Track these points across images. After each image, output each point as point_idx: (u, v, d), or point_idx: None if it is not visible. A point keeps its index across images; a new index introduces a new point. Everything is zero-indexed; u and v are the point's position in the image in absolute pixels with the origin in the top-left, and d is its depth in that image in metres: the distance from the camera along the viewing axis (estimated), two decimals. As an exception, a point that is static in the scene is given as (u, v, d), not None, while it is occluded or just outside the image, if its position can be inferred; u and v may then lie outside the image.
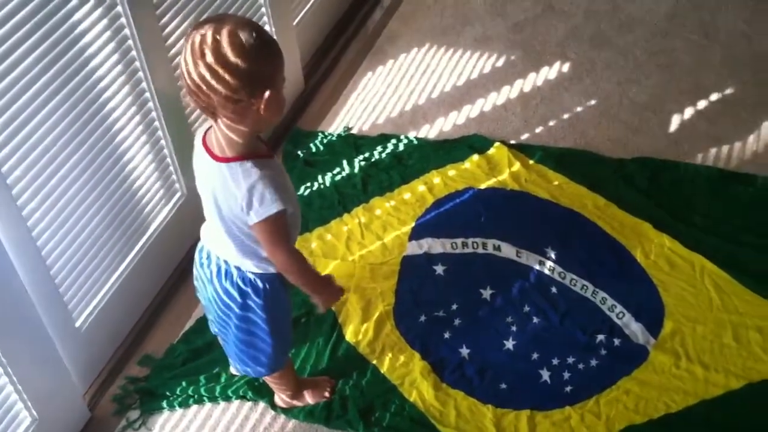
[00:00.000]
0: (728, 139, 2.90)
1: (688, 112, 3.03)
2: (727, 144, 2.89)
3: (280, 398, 2.26)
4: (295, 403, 2.25)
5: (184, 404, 2.30)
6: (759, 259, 2.48)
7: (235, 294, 1.89)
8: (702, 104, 3.05)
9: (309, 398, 2.25)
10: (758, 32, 3.34)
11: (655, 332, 2.33)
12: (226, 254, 1.88)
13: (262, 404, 2.27)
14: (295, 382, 2.23)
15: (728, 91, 3.09)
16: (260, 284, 1.88)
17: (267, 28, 2.96)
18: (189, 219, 2.67)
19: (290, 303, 2.07)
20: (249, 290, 1.88)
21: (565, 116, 3.07)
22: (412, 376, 2.27)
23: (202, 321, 2.47)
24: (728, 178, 2.76)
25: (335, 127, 3.12)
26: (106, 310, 2.35)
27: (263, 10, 2.92)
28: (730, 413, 2.14)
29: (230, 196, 1.72)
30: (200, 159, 1.78)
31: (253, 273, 1.87)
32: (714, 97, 3.07)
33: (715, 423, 2.12)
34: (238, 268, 1.87)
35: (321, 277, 1.98)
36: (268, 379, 2.20)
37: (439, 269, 2.56)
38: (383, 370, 2.29)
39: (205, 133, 1.78)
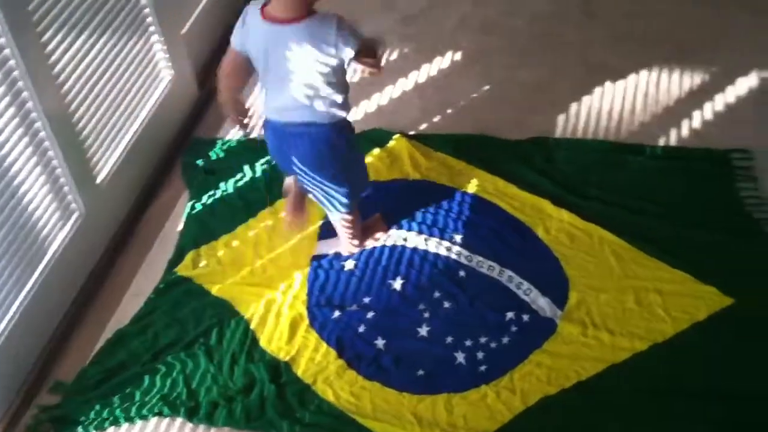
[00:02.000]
0: (616, 113, 3.01)
1: (577, 89, 3.11)
2: (616, 117, 2.99)
3: (350, 244, 2.54)
4: (366, 244, 2.57)
5: (100, 427, 2.25)
6: (652, 224, 2.57)
7: (315, 145, 2.26)
8: (590, 81, 3.14)
9: (371, 240, 2.58)
10: (639, 9, 3.45)
11: (562, 304, 2.39)
12: (301, 113, 2.22)
13: (179, 419, 2.24)
14: (361, 228, 2.54)
15: (613, 66, 3.18)
16: (334, 133, 2.27)
17: (155, 38, 2.92)
18: (90, 238, 2.62)
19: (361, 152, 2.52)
20: (327, 139, 2.26)
21: (462, 103, 3.13)
22: (325, 374, 2.28)
23: (113, 341, 2.44)
24: (619, 150, 2.86)
25: (234, 133, 3.10)
26: (9, 340, 2.28)
27: (149, 20, 2.88)
28: (638, 374, 2.21)
29: (317, 44, 2.07)
30: (260, 33, 2.11)
31: (328, 123, 2.24)
32: (600, 73, 3.17)
33: (624, 385, 2.19)
34: (314, 123, 2.23)
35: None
36: (342, 228, 2.50)
37: (349, 265, 2.57)
38: (299, 371, 2.30)
39: (262, 10, 2.10)
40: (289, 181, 2.60)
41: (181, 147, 3.07)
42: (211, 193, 2.86)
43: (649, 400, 2.16)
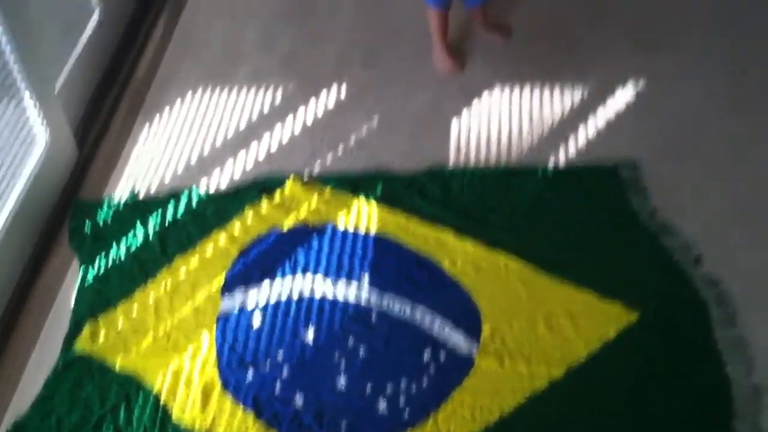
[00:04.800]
0: (505, 136, 3.04)
1: (464, 117, 3.14)
2: (505, 141, 3.03)
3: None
4: (434, 54, 3.27)
5: None
6: (553, 246, 2.61)
7: None
8: (475, 106, 3.17)
9: (440, 60, 3.27)
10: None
11: (476, 338, 2.40)
12: None
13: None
14: (439, 37, 3.24)
15: (494, 90, 3.23)
16: None
17: (27, 99, 2.76)
18: None
19: None
20: None
21: (353, 139, 3.10)
22: (247, 441, 2.21)
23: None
24: (512, 174, 2.89)
25: (120, 192, 2.98)
26: None
27: (19, 80, 2.72)
28: (557, 401, 2.23)
29: None
30: None
31: None
32: (485, 97, 3.20)
33: (546, 414, 2.21)
34: None
35: None
36: (430, 19, 3.21)
37: (257, 320, 2.50)
38: (219, 440, 2.22)
39: None
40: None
41: (66, 211, 2.93)
42: (102, 258, 2.73)
43: (569, 426, 2.18)
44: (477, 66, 3.35)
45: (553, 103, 3.14)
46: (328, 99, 3.27)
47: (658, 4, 3.51)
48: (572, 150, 2.96)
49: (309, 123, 3.18)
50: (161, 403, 2.31)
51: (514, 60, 3.35)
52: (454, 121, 3.13)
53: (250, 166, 3.02)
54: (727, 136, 2.94)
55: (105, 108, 3.33)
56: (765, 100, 3.04)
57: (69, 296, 2.68)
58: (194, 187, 2.94)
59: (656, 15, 3.46)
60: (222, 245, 2.71)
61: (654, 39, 3.34)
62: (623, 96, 3.13)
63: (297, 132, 3.14)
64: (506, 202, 2.78)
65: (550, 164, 2.91)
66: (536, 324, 2.41)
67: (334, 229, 2.73)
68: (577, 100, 3.14)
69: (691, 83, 3.14)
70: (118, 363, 2.42)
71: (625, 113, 3.08)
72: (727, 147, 2.90)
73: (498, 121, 3.10)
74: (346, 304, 2.51)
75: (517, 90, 3.21)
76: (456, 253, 2.62)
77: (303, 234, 2.73)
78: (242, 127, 3.19)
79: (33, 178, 2.80)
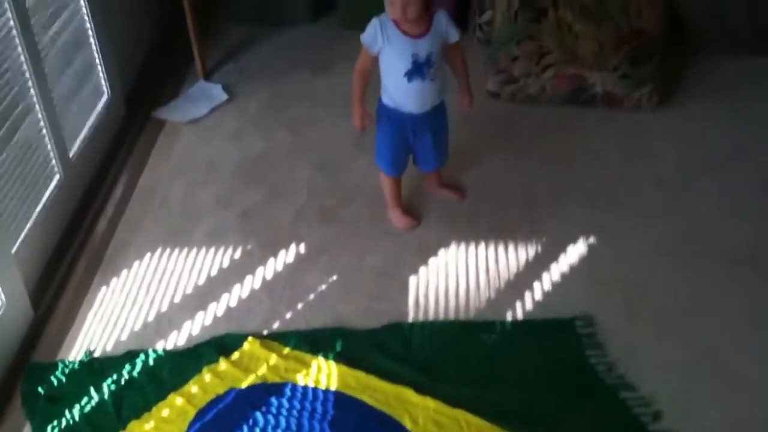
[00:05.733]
0: (462, 291, 3.10)
1: (422, 271, 3.20)
2: (463, 295, 3.08)
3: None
4: (389, 213, 3.41)
5: None
6: (515, 401, 2.62)
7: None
8: (432, 261, 3.24)
9: (394, 218, 3.39)
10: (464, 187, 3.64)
11: (440, 500, 2.35)
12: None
13: None
14: (392, 199, 3.39)
15: (450, 246, 3.31)
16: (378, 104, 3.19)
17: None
18: None
19: (393, 132, 3.22)
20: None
21: (311, 296, 3.12)
22: None
23: None
24: (471, 329, 2.92)
25: (75, 352, 2.92)
26: None
27: (-25, 246, 2.73)
28: None
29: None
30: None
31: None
32: (441, 253, 3.28)
33: None
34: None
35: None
36: (384, 182, 3.38)
37: (215, 486, 2.43)
38: None
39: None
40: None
41: (19, 373, 2.85)
42: (55, 423, 2.64)
43: None
44: (432, 223, 3.44)
45: (508, 258, 3.23)
46: (286, 256, 3.31)
47: (606, 164, 3.71)
48: (529, 303, 3.03)
49: (268, 279, 3.20)
50: None
51: (469, 217, 3.46)
52: (412, 277, 3.18)
53: (208, 322, 3.01)
54: (677, 289, 3.04)
55: (62, 268, 3.32)
56: (712, 253, 3.18)
57: (18, 465, 2.58)
58: (151, 347, 2.91)
59: (605, 175, 3.65)
60: (179, 405, 2.65)
61: (604, 197, 3.51)
62: (576, 251, 3.24)
63: (256, 288, 3.16)
64: (466, 358, 2.80)
65: (508, 317, 2.96)
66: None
67: (294, 387, 2.71)
68: (532, 255, 3.24)
69: (640, 239, 3.28)
70: None
71: (579, 267, 3.17)
72: (679, 300, 3.00)
73: (456, 275, 3.17)
74: (306, 466, 2.46)
75: (472, 246, 3.30)
76: (417, 409, 2.60)
77: (261, 392, 2.69)
78: (201, 284, 3.19)
79: (-14, 342, 2.75)
